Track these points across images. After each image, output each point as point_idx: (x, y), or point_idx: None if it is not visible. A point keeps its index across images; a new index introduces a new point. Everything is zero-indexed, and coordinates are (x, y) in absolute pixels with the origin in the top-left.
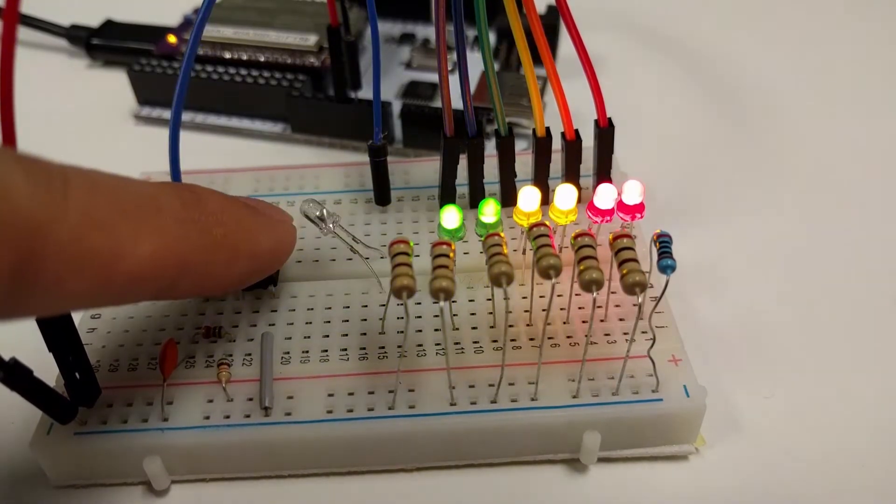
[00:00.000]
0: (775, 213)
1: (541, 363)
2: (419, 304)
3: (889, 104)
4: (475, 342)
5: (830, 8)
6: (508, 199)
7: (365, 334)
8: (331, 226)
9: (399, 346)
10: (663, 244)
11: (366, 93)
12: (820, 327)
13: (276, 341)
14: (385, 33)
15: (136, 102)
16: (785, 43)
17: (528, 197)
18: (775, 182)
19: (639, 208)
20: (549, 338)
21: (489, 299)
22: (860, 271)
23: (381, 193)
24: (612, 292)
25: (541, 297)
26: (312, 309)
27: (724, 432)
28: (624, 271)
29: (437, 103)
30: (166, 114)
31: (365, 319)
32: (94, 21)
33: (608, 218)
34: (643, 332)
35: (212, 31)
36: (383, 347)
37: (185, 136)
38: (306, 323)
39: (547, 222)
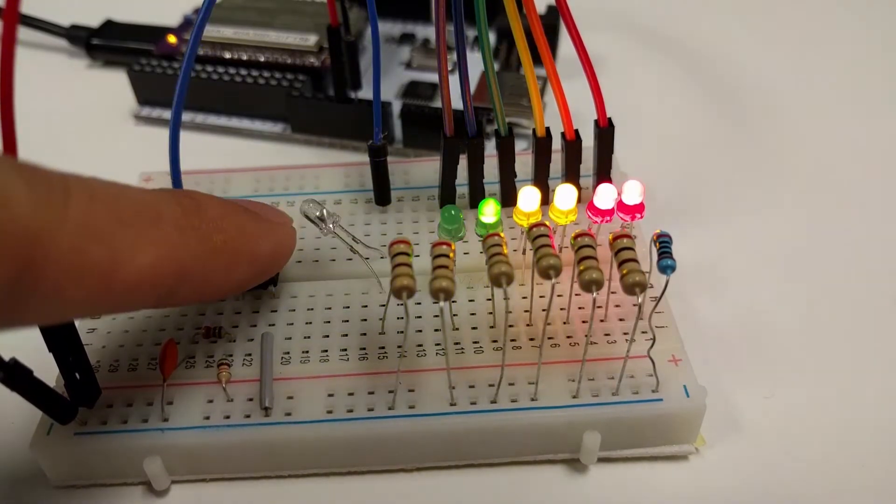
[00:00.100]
0: (775, 213)
1: (541, 363)
2: (419, 304)
3: (889, 104)
4: (475, 342)
5: (830, 8)
6: (508, 199)
7: (365, 334)
8: (331, 226)
9: (399, 347)
10: (663, 244)
11: (366, 93)
12: (820, 327)
13: (276, 341)
14: (385, 33)
15: (136, 102)
16: (785, 43)
17: (528, 197)
18: (775, 182)
19: (639, 208)
20: (549, 338)
21: (489, 299)
22: (860, 271)
23: (381, 193)
24: (612, 292)
25: (541, 297)
26: (312, 309)
27: (724, 432)
28: (624, 271)
29: (437, 103)
30: (166, 114)
31: (365, 319)
32: (94, 21)
33: (608, 218)
34: (643, 332)
35: (212, 31)
36: (383, 347)
37: (185, 137)
38: (306, 323)
39: (547, 222)
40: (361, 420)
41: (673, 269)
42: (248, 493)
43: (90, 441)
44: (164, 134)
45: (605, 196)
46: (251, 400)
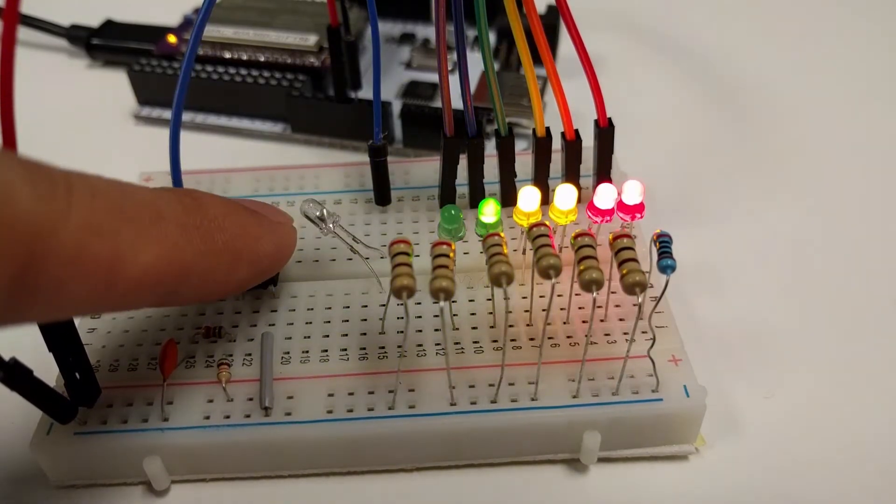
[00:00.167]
0: (775, 213)
1: (541, 363)
2: (419, 304)
3: (889, 104)
4: (475, 342)
5: (831, 8)
6: (508, 199)
7: (365, 334)
8: (331, 226)
9: (399, 346)
10: (663, 244)
11: (366, 93)
12: (820, 327)
13: (276, 341)
14: (385, 33)
15: (136, 102)
16: (785, 43)
17: (528, 197)
18: (776, 182)
19: (639, 208)
20: (549, 338)
21: (489, 299)
22: (860, 271)
23: (381, 193)
24: (612, 292)
25: (541, 297)
26: (312, 309)
27: (724, 432)
28: (624, 271)
29: (437, 103)
30: (166, 114)
31: (365, 319)
32: (94, 21)
33: (608, 218)
34: (643, 332)
35: (212, 31)
36: (383, 347)
37: (185, 137)
38: (306, 323)
39: (547, 222)
40: (361, 420)
41: (673, 268)
42: (248, 493)
43: (90, 441)
44: (164, 134)
45: (605, 196)
46: (251, 400)
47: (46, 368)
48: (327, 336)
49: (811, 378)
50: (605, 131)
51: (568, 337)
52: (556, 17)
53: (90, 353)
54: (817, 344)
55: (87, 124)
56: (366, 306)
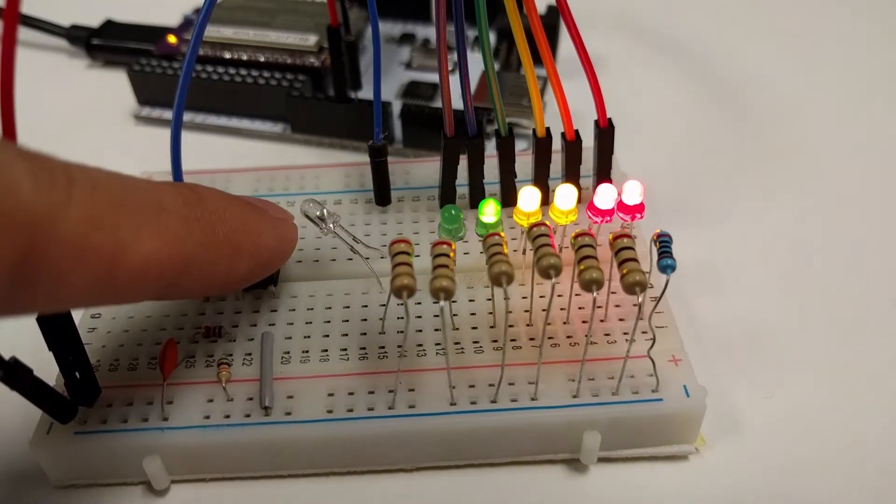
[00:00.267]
0: (776, 213)
1: (541, 363)
2: (419, 304)
3: (889, 104)
4: (475, 342)
5: (831, 8)
6: (509, 199)
7: (365, 334)
8: (331, 226)
9: (399, 346)
10: (663, 244)
11: (366, 93)
12: (820, 327)
13: (276, 341)
14: (385, 33)
15: (136, 102)
16: (786, 43)
17: (528, 197)
18: (776, 182)
19: (639, 208)
20: (549, 338)
21: (489, 299)
22: (860, 271)
23: (382, 193)
24: (613, 292)
25: (541, 297)
26: (312, 309)
27: (724, 432)
28: (624, 271)
29: (437, 103)
30: (166, 114)
31: (365, 319)
32: (94, 21)
33: (608, 218)
34: (643, 332)
35: (212, 31)
36: (383, 347)
37: (185, 137)
38: (306, 323)
39: (547, 222)
40: (361, 420)
41: (673, 268)
42: (248, 493)
43: (90, 440)
44: (164, 134)
45: (605, 196)
46: (251, 399)
47: (46, 368)
48: (327, 336)
49: (811, 378)
50: (605, 132)
51: (568, 337)
52: (556, 17)
53: (90, 352)
54: (817, 344)
55: (87, 124)
56: (366, 306)
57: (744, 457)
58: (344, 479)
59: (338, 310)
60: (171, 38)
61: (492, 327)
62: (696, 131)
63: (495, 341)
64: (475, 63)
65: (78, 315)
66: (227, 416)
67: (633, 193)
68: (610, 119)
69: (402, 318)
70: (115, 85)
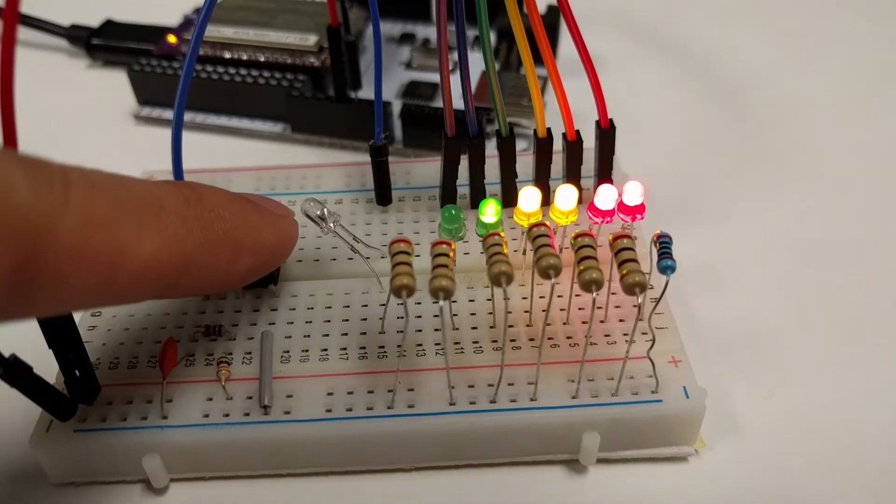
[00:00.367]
0: (776, 213)
1: (540, 363)
2: (419, 303)
3: (889, 104)
4: (475, 342)
5: (831, 8)
6: (509, 199)
7: (365, 334)
8: (331, 225)
9: (399, 346)
10: (663, 245)
11: (366, 93)
12: (820, 328)
13: (275, 340)
14: (385, 33)
15: (136, 102)
16: (786, 43)
17: (529, 197)
18: (776, 182)
19: (639, 209)
20: (549, 338)
21: (489, 299)
22: (860, 272)
23: (382, 193)
24: (613, 293)
25: (541, 297)
26: (312, 308)
27: (723, 433)
28: (624, 272)
29: (437, 103)
30: (166, 114)
31: (365, 319)
32: (94, 21)
33: (609, 219)
34: (643, 333)
35: (212, 31)
36: (383, 347)
37: (185, 136)
38: (306, 322)
39: (547, 222)
40: (360, 419)
41: (673, 269)
42: (247, 492)
43: (89, 438)
44: (164, 134)
45: (605, 197)
46: (250, 398)
47: (46, 365)
48: (327, 335)
49: (811, 378)
50: (606, 132)
51: (568, 337)
52: (556, 17)
53: (90, 350)
54: (817, 344)
55: (87, 124)
56: (366, 306)
57: (744, 457)
58: (343, 478)
59: (338, 309)
60: (171, 38)
61: (491, 327)
62: (696, 131)
63: (495, 341)
64: (475, 63)
65: (78, 313)
66: (227, 415)
67: (633, 194)
68: (611, 119)
69: (402, 317)
70: (115, 85)
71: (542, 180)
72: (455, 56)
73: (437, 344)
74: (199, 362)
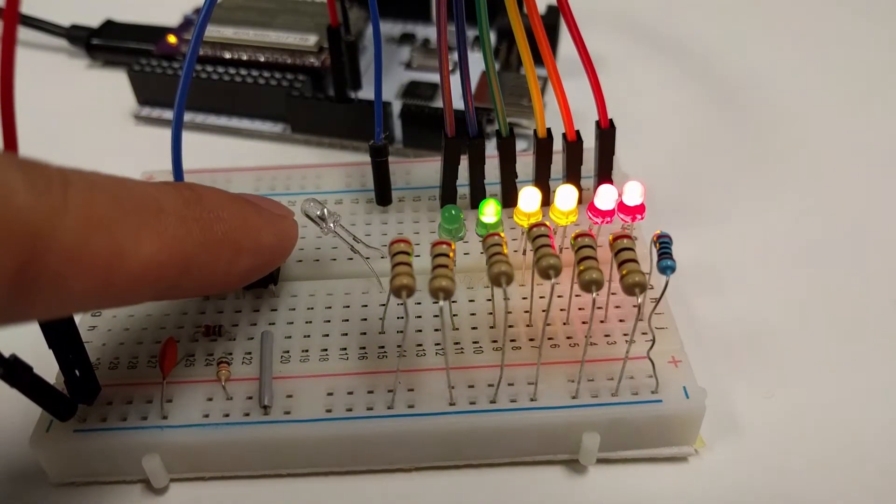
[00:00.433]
0: (776, 213)
1: (540, 363)
2: (419, 304)
3: (889, 104)
4: (475, 342)
5: (831, 8)
6: (509, 199)
7: (365, 334)
8: (331, 225)
9: (399, 346)
10: (663, 245)
11: (366, 93)
12: (820, 327)
13: (275, 340)
14: (385, 33)
15: (136, 102)
16: (786, 42)
17: (529, 197)
18: (776, 182)
19: (639, 209)
20: (549, 338)
21: (489, 299)
22: (860, 271)
23: (383, 193)
24: (613, 293)
25: (541, 297)
26: (312, 308)
27: (723, 434)
28: (623, 272)
29: (437, 103)
30: (166, 114)
31: (365, 319)
32: (94, 21)
33: (609, 219)
34: (643, 333)
35: (212, 31)
36: (383, 347)
37: (184, 137)
38: (306, 322)
39: (547, 222)
40: (360, 419)
41: (673, 269)
42: (247, 492)
43: (89, 438)
44: (164, 134)
45: (605, 197)
46: (250, 398)
47: (46, 365)
48: (327, 335)
49: (811, 378)
50: (606, 132)
51: (568, 337)
52: (556, 17)
53: (90, 350)
54: (817, 344)
55: (87, 124)
56: (366, 306)
57: (744, 457)
58: (343, 478)
59: (338, 309)
60: (171, 38)
61: (491, 327)
62: (696, 131)
63: (495, 341)
64: (475, 63)
65: (78, 314)
66: (227, 415)
67: (633, 194)
68: (611, 120)
69: (402, 317)
70: (115, 85)
71: (543, 180)
72: (455, 56)
73: (437, 344)
74: (199, 362)
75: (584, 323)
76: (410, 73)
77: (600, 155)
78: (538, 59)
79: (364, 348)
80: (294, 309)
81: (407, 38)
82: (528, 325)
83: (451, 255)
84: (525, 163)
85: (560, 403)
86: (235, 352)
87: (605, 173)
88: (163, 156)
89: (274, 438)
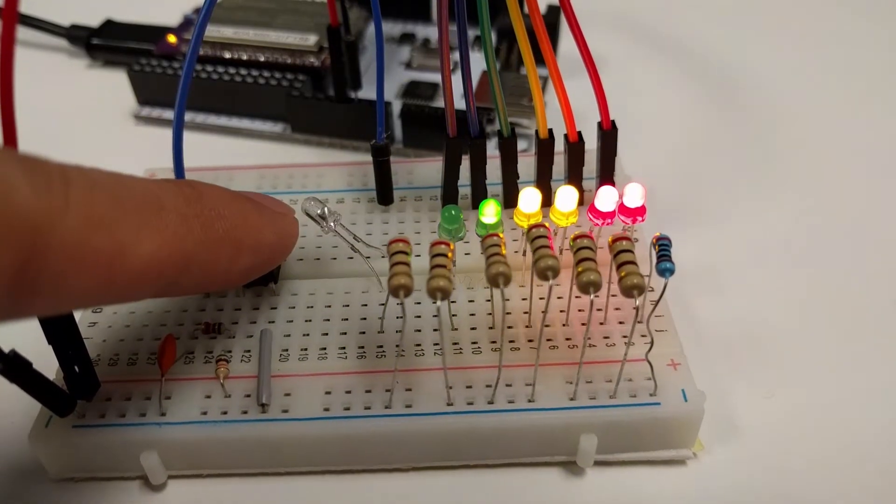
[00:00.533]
0: (776, 214)
1: (538, 365)
2: (419, 303)
3: (889, 104)
4: (473, 343)
5: (831, 8)
6: (510, 200)
7: (364, 333)
8: (332, 224)
9: (397, 346)
10: (662, 247)
11: (366, 93)
12: (820, 329)
13: (275, 338)
14: (385, 33)
15: (136, 102)
16: (786, 42)
17: (529, 198)
18: (776, 184)
19: (640, 211)
20: (548, 339)
21: (488, 300)
22: (860, 272)
23: (384, 193)
24: (612, 295)
25: (540, 298)
26: (312, 307)
27: (722, 436)
28: (622, 274)
29: (437, 103)
30: (166, 114)
31: (364, 318)
32: (94, 21)
33: (609, 221)
34: (642, 336)
35: (212, 31)
36: (382, 346)
37: (185, 136)
38: (306, 321)
39: (546, 223)
40: (358, 418)
41: (671, 272)
42: (245, 489)
43: (88, 434)
44: (164, 134)
45: (606, 198)
46: (249, 396)
47: (46, 361)
48: (326, 334)
49: (811, 378)
50: (608, 134)
51: (566, 339)
52: (557, 17)
53: (90, 346)
54: (817, 344)
55: (87, 124)
56: (365, 305)
57: (743, 457)
58: (340, 477)
59: (337, 308)
60: (171, 38)
61: (490, 328)
62: (697, 131)
63: (493, 342)
64: (476, 63)
65: (78, 310)
66: (225, 413)
67: (634, 196)
68: (613, 121)
69: (401, 317)
70: (115, 85)
71: (544, 181)
72: (456, 56)
73: (436, 344)
74: (198, 360)
75: (583, 324)
76: (410, 73)
77: (602, 156)
78: (539, 59)
79: (363, 348)
80: (294, 307)
81: (407, 38)
82: (527, 326)
83: (450, 255)
84: (526, 163)
85: (558, 405)
86: (234, 350)
87: (607, 175)
88: (163, 156)
89: (271, 437)
